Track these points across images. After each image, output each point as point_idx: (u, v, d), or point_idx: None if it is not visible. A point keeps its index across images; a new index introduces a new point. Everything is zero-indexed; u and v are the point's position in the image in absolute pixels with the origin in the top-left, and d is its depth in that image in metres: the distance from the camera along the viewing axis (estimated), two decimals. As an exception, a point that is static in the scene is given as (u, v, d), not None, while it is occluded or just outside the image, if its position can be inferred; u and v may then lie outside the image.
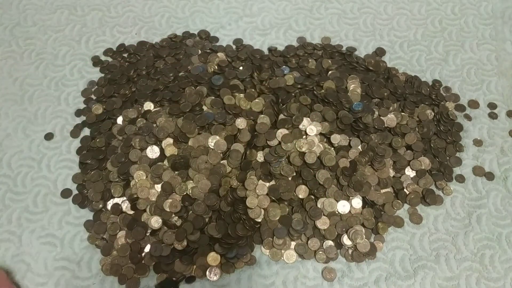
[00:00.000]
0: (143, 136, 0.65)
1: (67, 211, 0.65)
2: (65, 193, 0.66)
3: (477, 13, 0.86)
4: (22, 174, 0.68)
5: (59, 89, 0.76)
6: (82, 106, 0.74)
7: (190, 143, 0.65)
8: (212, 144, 0.65)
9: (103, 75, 0.77)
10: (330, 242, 0.61)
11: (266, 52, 0.79)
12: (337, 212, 0.62)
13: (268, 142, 0.65)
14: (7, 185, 0.67)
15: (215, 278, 0.59)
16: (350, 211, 0.62)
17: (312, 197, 0.63)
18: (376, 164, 0.65)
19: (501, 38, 0.83)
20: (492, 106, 0.75)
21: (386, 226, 0.63)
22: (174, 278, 0.59)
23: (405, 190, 0.65)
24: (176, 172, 0.64)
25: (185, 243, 0.60)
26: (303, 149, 0.64)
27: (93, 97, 0.75)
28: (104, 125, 0.70)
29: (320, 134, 0.66)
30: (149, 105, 0.70)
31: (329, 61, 0.76)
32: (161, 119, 0.67)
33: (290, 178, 0.64)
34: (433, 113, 0.71)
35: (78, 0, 0.87)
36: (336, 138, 0.65)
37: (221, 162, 0.65)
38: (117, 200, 0.64)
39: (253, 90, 0.71)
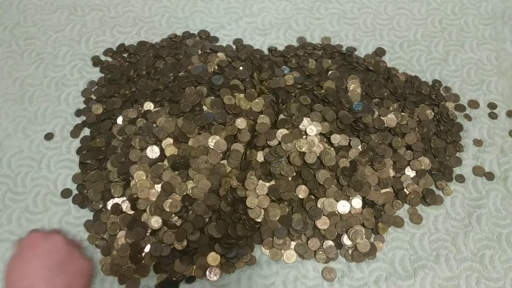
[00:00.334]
0: (143, 136, 0.65)
1: (67, 211, 0.65)
2: (65, 193, 0.66)
3: (477, 13, 0.86)
4: (22, 174, 0.68)
5: (59, 89, 0.76)
6: (82, 106, 0.74)
7: (190, 143, 0.66)
8: (212, 144, 0.65)
9: (103, 75, 0.77)
10: (330, 242, 0.61)
11: (266, 52, 0.79)
12: (337, 212, 0.62)
13: (268, 142, 0.65)
14: (7, 185, 0.67)
15: (215, 278, 0.59)
16: (350, 211, 0.62)
17: (312, 197, 0.63)
18: (376, 164, 0.65)
19: (501, 38, 0.83)
20: (492, 106, 0.75)
21: (386, 226, 0.63)
22: (174, 278, 0.59)
23: (405, 190, 0.66)
24: (176, 172, 0.64)
25: (185, 243, 0.60)
26: (303, 149, 0.64)
27: (93, 97, 0.75)
28: (104, 125, 0.70)
29: (320, 134, 0.66)
30: (149, 105, 0.70)
31: (329, 61, 0.76)
32: (161, 119, 0.67)
33: (290, 178, 0.64)
34: (433, 113, 0.71)
35: (78, 0, 0.87)
36: (336, 138, 0.65)
37: (221, 162, 0.65)
38: (117, 200, 0.64)
39: (253, 90, 0.71)
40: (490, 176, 0.68)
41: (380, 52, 0.80)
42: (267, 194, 0.62)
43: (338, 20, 0.85)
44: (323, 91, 0.70)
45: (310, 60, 0.75)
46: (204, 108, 0.69)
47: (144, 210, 0.62)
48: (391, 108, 0.70)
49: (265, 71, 0.74)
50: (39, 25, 0.84)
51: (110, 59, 0.79)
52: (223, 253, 0.60)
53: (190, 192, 0.62)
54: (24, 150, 0.70)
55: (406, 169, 0.67)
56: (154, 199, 0.62)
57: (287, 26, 0.84)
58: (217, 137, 0.65)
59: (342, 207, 0.62)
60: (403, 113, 0.70)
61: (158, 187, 0.63)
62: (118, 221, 0.62)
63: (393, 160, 0.66)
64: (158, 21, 0.84)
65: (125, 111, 0.70)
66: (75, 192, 0.66)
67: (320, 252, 0.61)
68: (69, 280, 0.49)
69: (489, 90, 0.76)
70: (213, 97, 0.69)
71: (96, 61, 0.79)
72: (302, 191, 0.63)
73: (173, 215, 0.62)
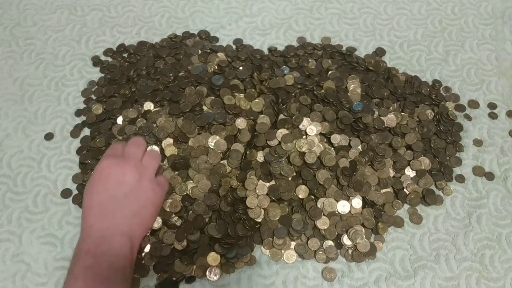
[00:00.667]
0: (143, 136, 0.65)
1: (67, 211, 0.65)
2: (65, 193, 0.66)
3: (477, 13, 0.86)
4: (22, 174, 0.68)
5: (59, 89, 0.76)
6: (82, 106, 0.74)
7: (190, 143, 0.66)
8: (212, 144, 0.65)
9: (103, 75, 0.77)
10: (330, 242, 0.61)
11: (266, 52, 0.79)
12: (337, 212, 0.62)
13: (268, 142, 0.65)
14: (7, 185, 0.67)
15: (215, 278, 0.59)
16: (350, 211, 0.62)
17: (312, 197, 0.63)
18: (376, 164, 0.65)
19: (501, 38, 0.83)
20: (492, 106, 0.75)
21: (386, 226, 0.63)
22: (174, 278, 0.59)
23: (405, 190, 0.65)
24: (176, 172, 0.64)
25: (185, 243, 0.60)
26: (303, 149, 0.64)
27: (93, 97, 0.75)
28: (104, 125, 0.70)
29: (320, 134, 0.66)
30: (149, 105, 0.70)
31: (329, 61, 0.76)
32: (161, 119, 0.67)
33: (290, 178, 0.64)
34: (433, 113, 0.71)
35: (78, 0, 0.87)
36: (336, 138, 0.65)
37: (221, 162, 0.65)
38: (117, 200, 0.64)
39: (253, 90, 0.71)
40: (490, 176, 0.68)
41: (380, 52, 0.80)
42: (267, 194, 0.62)
43: (338, 20, 0.85)
44: (323, 91, 0.70)
45: (310, 60, 0.75)
46: (204, 108, 0.69)
47: (144, 210, 0.62)
48: (391, 108, 0.70)
49: (265, 71, 0.74)
50: (39, 25, 0.84)
51: (110, 59, 0.79)
52: (223, 253, 0.60)
53: (190, 192, 0.62)
54: (24, 150, 0.70)
55: (406, 169, 0.66)
56: (154, 199, 0.62)
57: (287, 26, 0.84)
58: (217, 137, 0.65)
59: (342, 207, 0.62)
60: (403, 113, 0.70)
61: (158, 187, 0.63)
62: (118, 221, 0.62)
63: (393, 160, 0.66)
64: (158, 21, 0.84)
65: (125, 111, 0.70)
66: (75, 192, 0.66)
67: (320, 252, 0.61)
68: (136, 210, 0.48)
69: (489, 90, 0.76)
70: (213, 97, 0.69)
71: (96, 61, 0.79)
72: (302, 191, 0.63)
73: (173, 215, 0.62)
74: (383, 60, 0.79)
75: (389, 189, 0.65)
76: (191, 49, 0.78)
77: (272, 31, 0.83)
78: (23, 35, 0.83)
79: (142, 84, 0.73)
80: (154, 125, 0.67)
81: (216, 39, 0.82)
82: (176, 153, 0.65)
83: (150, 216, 0.50)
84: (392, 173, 0.66)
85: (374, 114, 0.68)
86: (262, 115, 0.67)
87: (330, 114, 0.67)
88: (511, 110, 0.74)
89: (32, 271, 0.60)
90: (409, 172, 0.66)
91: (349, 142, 0.66)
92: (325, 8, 0.86)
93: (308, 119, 0.66)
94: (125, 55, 0.79)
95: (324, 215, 0.62)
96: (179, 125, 0.66)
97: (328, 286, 0.60)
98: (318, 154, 0.64)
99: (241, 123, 0.67)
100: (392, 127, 0.68)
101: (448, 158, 0.68)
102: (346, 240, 0.61)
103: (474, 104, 0.75)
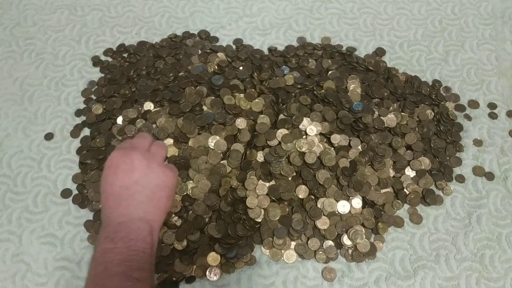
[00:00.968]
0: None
1: (67, 211, 0.65)
2: (65, 193, 0.66)
3: (477, 13, 0.86)
4: (22, 174, 0.68)
5: (59, 89, 0.76)
6: (82, 106, 0.74)
7: (190, 143, 0.66)
8: (212, 144, 0.65)
9: (103, 75, 0.77)
10: (330, 242, 0.61)
11: (266, 52, 0.79)
12: (337, 212, 0.62)
13: (268, 142, 0.65)
14: (7, 185, 0.67)
15: (215, 278, 0.59)
16: (350, 211, 0.62)
17: (312, 197, 0.63)
18: (376, 164, 0.65)
19: (501, 38, 0.83)
20: (492, 106, 0.74)
21: (386, 226, 0.63)
22: (174, 278, 0.59)
23: (405, 190, 0.65)
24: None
25: (185, 243, 0.60)
26: (303, 149, 0.64)
27: (93, 97, 0.75)
28: (104, 125, 0.70)
29: (320, 134, 0.66)
30: (149, 105, 0.70)
31: (329, 61, 0.76)
32: (161, 119, 0.67)
33: (290, 178, 0.64)
34: (433, 113, 0.71)
35: (78, 0, 0.87)
36: (336, 138, 0.65)
37: (221, 162, 0.65)
38: (117, 200, 0.63)
39: (253, 90, 0.71)
40: (490, 176, 0.68)
41: (380, 52, 0.80)
42: (267, 194, 0.62)
43: (338, 20, 0.85)
44: (323, 91, 0.70)
45: (310, 60, 0.75)
46: (204, 108, 0.69)
47: (144, 210, 0.62)
48: (391, 108, 0.70)
49: (265, 71, 0.74)
50: (39, 25, 0.84)
51: (110, 59, 0.79)
52: (223, 253, 0.60)
53: (190, 192, 0.62)
54: (24, 150, 0.70)
55: (406, 169, 0.66)
56: (154, 199, 0.62)
57: (287, 26, 0.84)
58: (217, 137, 0.65)
59: (342, 207, 0.62)
60: (403, 113, 0.70)
61: (158, 187, 0.63)
62: (118, 221, 0.62)
63: (393, 160, 0.66)
64: (158, 21, 0.84)
65: (125, 111, 0.70)
66: (75, 192, 0.66)
67: (320, 252, 0.61)
68: (149, 195, 0.49)
69: (489, 90, 0.76)
70: (213, 97, 0.69)
71: (96, 61, 0.79)
72: (302, 191, 0.63)
73: (173, 215, 0.62)
74: (383, 60, 0.79)
75: (389, 189, 0.65)
76: (191, 49, 0.78)
77: (272, 31, 0.83)
78: (23, 35, 0.83)
79: (142, 84, 0.73)
80: (154, 125, 0.67)
81: (216, 39, 0.82)
82: (176, 154, 0.65)
83: (166, 199, 0.50)
84: (392, 173, 0.66)
85: (374, 114, 0.68)
86: (262, 115, 0.67)
87: (330, 114, 0.67)
88: (511, 110, 0.74)
89: (32, 271, 0.60)
90: (409, 172, 0.66)
91: (349, 142, 0.66)
92: (325, 8, 0.86)
93: (308, 119, 0.66)
94: (125, 55, 0.79)
95: (324, 215, 0.62)
96: (179, 125, 0.66)
97: (328, 286, 0.60)
98: (318, 154, 0.64)
99: (241, 123, 0.67)
100: (392, 127, 0.68)
101: (448, 158, 0.68)
102: (346, 240, 0.61)
103: (474, 104, 0.75)
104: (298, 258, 0.61)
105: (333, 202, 0.62)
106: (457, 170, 0.68)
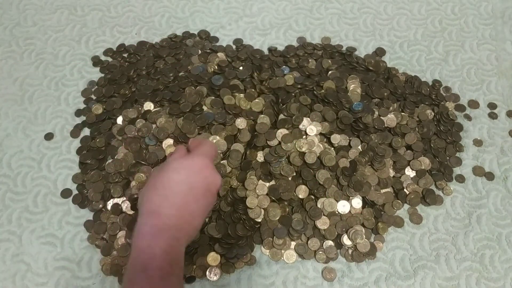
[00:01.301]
0: (143, 137, 0.65)
1: (67, 211, 0.65)
2: (65, 193, 0.66)
3: (477, 13, 0.86)
4: (22, 174, 0.68)
5: (59, 89, 0.76)
6: (82, 106, 0.74)
7: (190, 143, 0.66)
8: (212, 144, 0.65)
9: (103, 75, 0.77)
10: (330, 242, 0.61)
11: (266, 52, 0.79)
12: (337, 212, 0.62)
13: (268, 142, 0.65)
14: (7, 185, 0.67)
15: (215, 278, 0.59)
16: (350, 211, 0.62)
17: (312, 197, 0.63)
18: (376, 164, 0.65)
19: (501, 38, 0.83)
20: (492, 106, 0.75)
21: (386, 226, 0.63)
22: (174, 278, 0.59)
23: (405, 190, 0.65)
24: (176, 172, 0.64)
25: (185, 243, 0.60)
26: (303, 149, 0.64)
27: (93, 97, 0.75)
28: (104, 125, 0.70)
29: (320, 134, 0.66)
30: (149, 105, 0.70)
31: (329, 61, 0.76)
32: (161, 120, 0.67)
33: (290, 178, 0.64)
34: (433, 113, 0.71)
35: (78, 0, 0.87)
36: (336, 138, 0.65)
37: (221, 162, 0.65)
38: (117, 200, 0.64)
39: (253, 90, 0.71)
40: (490, 176, 0.68)
41: (380, 52, 0.80)
42: (267, 194, 0.62)
43: (338, 20, 0.85)
44: (323, 91, 0.70)
45: (310, 60, 0.75)
46: (204, 108, 0.69)
47: (144, 210, 0.62)
48: (391, 108, 0.70)
49: (265, 71, 0.74)
50: (39, 25, 0.84)
51: (110, 59, 0.79)
52: (223, 253, 0.60)
53: (190, 192, 0.62)
54: (24, 150, 0.70)
55: (406, 169, 0.66)
56: (154, 199, 0.62)
57: (287, 26, 0.84)
58: (217, 137, 0.65)
59: (342, 207, 0.62)
60: (403, 113, 0.70)
61: (158, 187, 0.63)
62: (118, 221, 0.62)
63: (393, 160, 0.66)
64: (158, 21, 0.84)
65: (125, 111, 0.70)
66: (75, 192, 0.66)
67: (320, 252, 0.61)
68: (197, 196, 0.49)
69: (489, 90, 0.76)
70: (213, 97, 0.69)
71: (96, 61, 0.79)
72: (302, 191, 0.63)
73: (173, 215, 0.61)
74: (383, 60, 0.79)
75: (389, 189, 0.65)
76: (191, 49, 0.78)
77: (272, 31, 0.83)
78: (23, 35, 0.83)
79: (142, 84, 0.73)
80: (154, 125, 0.67)
81: (216, 39, 0.82)
82: (176, 153, 0.65)
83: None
84: (392, 173, 0.66)
85: (374, 114, 0.68)
86: (262, 115, 0.67)
87: (330, 114, 0.67)
88: (511, 110, 0.74)
89: (32, 271, 0.60)
90: (409, 172, 0.66)
91: (349, 142, 0.66)
92: (325, 8, 0.86)
93: (308, 119, 0.66)
94: (125, 55, 0.79)
95: (324, 215, 0.62)
96: (179, 125, 0.66)
97: (328, 286, 0.60)
98: (318, 154, 0.64)
99: (241, 123, 0.67)
100: (392, 127, 0.68)
101: (448, 158, 0.68)
102: (346, 240, 0.61)
103: (474, 104, 0.75)
104: (298, 258, 0.61)
105: (333, 202, 0.62)
106: (457, 170, 0.68)
